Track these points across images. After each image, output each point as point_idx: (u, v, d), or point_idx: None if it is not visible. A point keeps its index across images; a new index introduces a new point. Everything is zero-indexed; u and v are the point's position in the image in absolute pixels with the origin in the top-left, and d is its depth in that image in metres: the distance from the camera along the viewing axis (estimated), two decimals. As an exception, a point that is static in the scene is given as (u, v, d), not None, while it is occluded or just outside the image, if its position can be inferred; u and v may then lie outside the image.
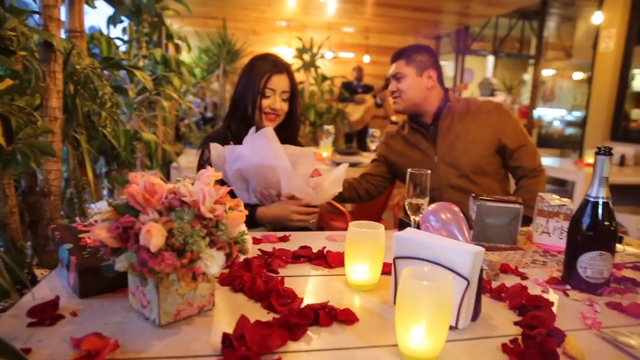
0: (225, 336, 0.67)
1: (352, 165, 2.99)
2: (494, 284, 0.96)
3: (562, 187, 4.41)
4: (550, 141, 7.62)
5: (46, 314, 0.73)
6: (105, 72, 1.76)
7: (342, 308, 0.81)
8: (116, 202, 0.72)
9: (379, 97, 5.56)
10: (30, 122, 0.88)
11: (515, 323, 0.80)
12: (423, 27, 7.33)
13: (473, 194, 1.36)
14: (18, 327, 0.70)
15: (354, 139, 5.95)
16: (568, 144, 7.11)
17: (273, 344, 0.67)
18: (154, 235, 0.63)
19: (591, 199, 0.96)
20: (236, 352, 0.63)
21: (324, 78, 5.34)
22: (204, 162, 1.55)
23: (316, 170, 1.47)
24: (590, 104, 4.61)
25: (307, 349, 0.69)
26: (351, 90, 6.08)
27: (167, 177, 2.72)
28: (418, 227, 1.20)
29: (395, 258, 0.84)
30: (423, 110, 1.78)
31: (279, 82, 1.53)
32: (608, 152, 0.94)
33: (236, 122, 1.60)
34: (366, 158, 3.52)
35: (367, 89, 6.19)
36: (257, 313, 0.80)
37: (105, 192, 2.06)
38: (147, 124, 2.59)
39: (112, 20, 2.32)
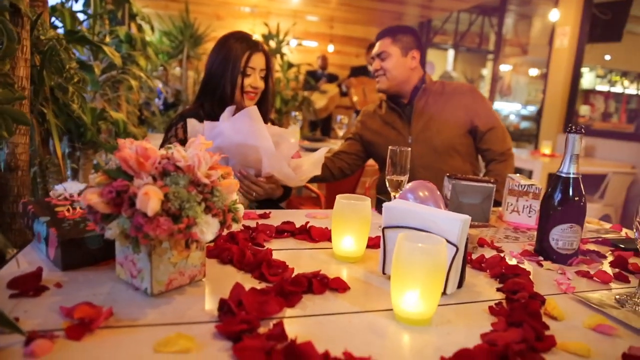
0: (223, 302, 0.67)
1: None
2: (474, 256, 1.00)
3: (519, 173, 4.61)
4: (506, 134, 7.92)
5: (29, 285, 0.70)
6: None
7: (332, 277, 0.82)
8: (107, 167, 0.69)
9: (344, 85, 5.59)
10: (8, 84, 0.83)
11: (498, 289, 0.84)
12: (387, 18, 7.40)
13: (448, 174, 1.41)
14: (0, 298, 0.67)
15: (318, 127, 5.96)
16: (523, 137, 7.41)
17: (271, 310, 0.67)
18: (151, 198, 0.62)
19: (563, 175, 1.01)
20: (236, 317, 0.63)
21: (290, 65, 5.30)
22: (168, 138, 1.51)
23: (296, 152, 1.47)
24: (545, 99, 4.83)
25: (305, 314, 0.70)
26: (316, 78, 6.08)
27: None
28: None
29: (384, 228, 0.86)
30: (403, 90, 1.81)
31: (258, 61, 1.52)
32: (579, 131, 0.99)
33: (210, 102, 1.57)
34: (333, 144, 3.54)
35: (332, 77, 6.20)
36: (249, 283, 0.80)
37: (69, 172, 1.97)
38: (111, 104, 2.49)
39: (73, -6, 2.21)
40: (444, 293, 0.79)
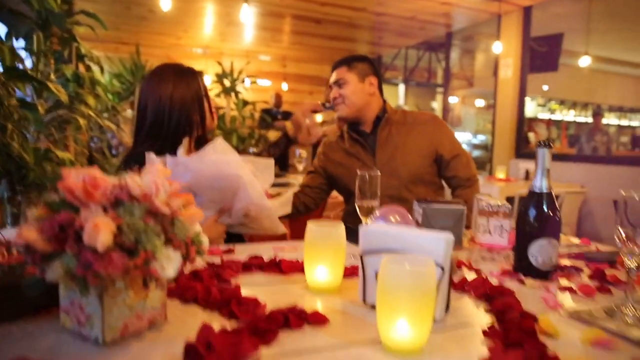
0: (190, 346, 0.58)
1: (282, 185, 2.94)
2: (455, 279, 0.95)
3: None
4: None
5: (-49, 345, 0.58)
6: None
7: (310, 312, 0.75)
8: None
9: (290, 129, 5.63)
10: None
11: (487, 311, 0.79)
12: (338, 55, 7.55)
13: (417, 199, 1.38)
14: None
15: (275, 164, 5.92)
16: (477, 163, 7.67)
17: (246, 350, 0.59)
18: (102, 230, 0.53)
19: (536, 190, 1.00)
20: (206, 362, 0.54)
21: (245, 103, 5.29)
22: None
23: (266, 192, 1.41)
24: (495, 128, 5.03)
25: (284, 352, 0.62)
26: (271, 116, 6.09)
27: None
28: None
29: (362, 254, 0.80)
30: (364, 117, 1.79)
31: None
32: (548, 145, 0.99)
33: (161, 142, 1.46)
34: (292, 179, 3.49)
35: (286, 115, 6.23)
36: (217, 322, 0.71)
37: (8, 219, 1.79)
38: (58, 146, 2.34)
39: (15, 33, 2.09)
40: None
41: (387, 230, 0.78)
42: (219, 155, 1.31)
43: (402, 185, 1.74)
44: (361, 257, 0.80)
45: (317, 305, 0.82)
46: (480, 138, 8.74)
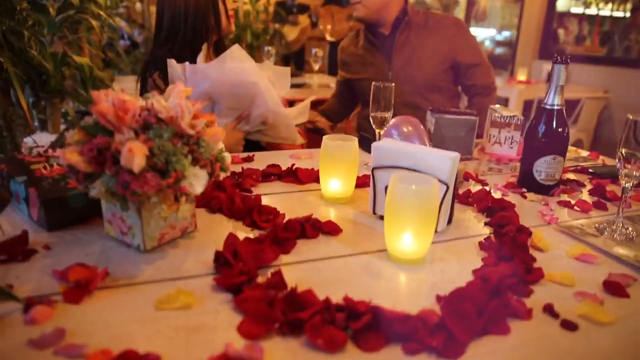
0: (219, 254, 0.67)
1: (298, 86, 2.92)
2: (460, 190, 1.02)
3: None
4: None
5: (16, 250, 0.67)
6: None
7: (324, 221, 0.82)
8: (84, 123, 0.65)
9: (313, 15, 5.36)
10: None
11: (486, 224, 0.86)
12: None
13: (430, 108, 1.39)
14: (-14, 263, 0.65)
15: (291, 61, 5.76)
16: (498, 62, 7.37)
17: (267, 258, 0.68)
18: (136, 154, 0.59)
19: (547, 107, 1.01)
20: (234, 269, 0.63)
21: (259, -4, 5.00)
22: (146, 91, 1.43)
23: (282, 99, 1.44)
24: (521, 22, 4.74)
25: (301, 260, 0.70)
26: (286, 9, 5.78)
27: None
28: (382, 142, 1.21)
29: (373, 168, 0.85)
30: (383, 19, 1.73)
31: None
32: (565, 61, 0.98)
33: (180, 44, 1.48)
34: (308, 78, 3.45)
35: (302, 8, 5.90)
36: (241, 231, 0.80)
37: (36, 124, 1.87)
38: (72, 48, 2.33)
39: None
40: (435, 231, 0.80)
41: (397, 147, 0.82)
42: (236, 62, 1.32)
43: (417, 91, 1.73)
44: (372, 172, 0.86)
45: (331, 214, 0.90)
46: (505, 34, 8.25)
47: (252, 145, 1.55)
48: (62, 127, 2.09)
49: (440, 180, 0.77)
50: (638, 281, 0.68)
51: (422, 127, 1.21)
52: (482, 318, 0.54)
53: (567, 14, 6.39)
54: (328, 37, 5.32)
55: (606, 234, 0.82)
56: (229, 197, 0.88)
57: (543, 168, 1.02)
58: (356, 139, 0.94)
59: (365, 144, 1.23)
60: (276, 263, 0.69)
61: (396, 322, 0.53)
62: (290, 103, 1.67)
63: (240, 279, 0.60)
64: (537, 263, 0.71)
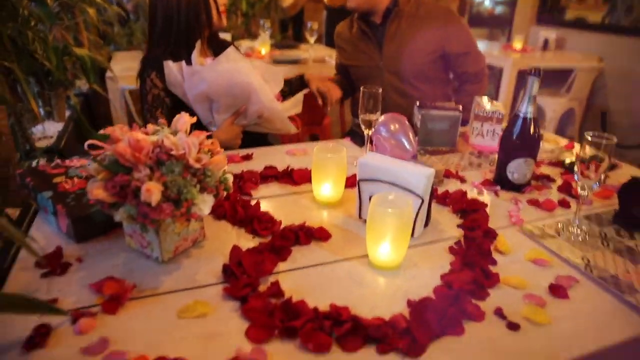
0: (226, 266, 0.79)
1: (293, 62, 2.97)
2: (440, 190, 1.13)
3: (490, 70, 4.60)
4: (480, 20, 7.74)
5: (54, 264, 0.80)
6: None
7: (316, 226, 0.94)
8: (102, 158, 0.76)
9: None
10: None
11: (459, 226, 0.98)
12: None
13: (418, 103, 1.48)
14: (33, 279, 0.77)
15: (289, 27, 5.70)
16: (497, 22, 7.26)
17: (267, 268, 0.80)
18: (153, 193, 0.70)
19: (521, 115, 1.10)
20: (239, 281, 0.75)
21: (253, -39, 4.90)
22: (146, 92, 1.50)
23: (276, 95, 1.53)
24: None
25: (295, 267, 0.83)
26: None
27: (104, 89, 2.56)
28: (370, 141, 1.31)
29: (359, 180, 0.96)
30: (374, 8, 1.77)
31: None
32: (538, 74, 1.06)
33: (174, 43, 1.52)
34: (304, 51, 3.46)
35: None
36: (243, 238, 0.92)
37: (42, 112, 1.95)
38: (70, 32, 2.37)
39: None
40: (412, 236, 0.92)
41: (379, 164, 0.93)
42: (231, 63, 1.41)
43: (406, 80, 1.81)
44: (358, 183, 0.97)
45: (323, 217, 1.02)
46: (506, -9, 8.09)
47: (250, 136, 1.65)
48: (67, 113, 2.17)
49: (416, 194, 0.88)
50: (580, 282, 0.80)
51: (407, 123, 1.31)
52: (441, 322, 0.67)
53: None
54: (326, 0, 5.25)
55: (563, 235, 0.94)
56: (232, 205, 0.99)
57: (515, 169, 1.13)
58: (344, 150, 1.04)
59: (356, 137, 1.33)
60: (275, 271, 0.81)
61: (371, 328, 0.66)
62: (286, 82, 1.73)
63: (246, 290, 0.73)
64: (497, 266, 0.83)
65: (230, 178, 0.86)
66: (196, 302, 0.72)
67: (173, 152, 0.75)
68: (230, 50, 1.40)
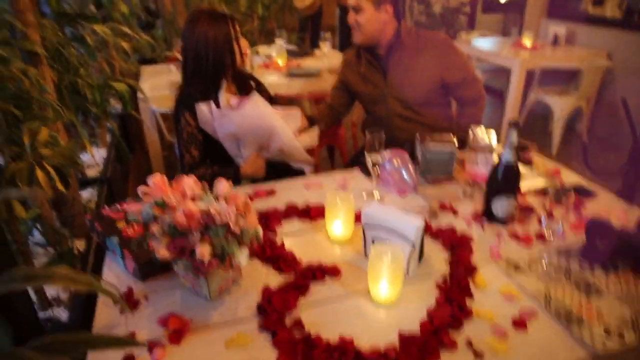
0: (259, 304, 1.02)
1: (309, 76, 3.15)
2: (434, 224, 1.34)
3: (501, 70, 4.65)
4: (494, 4, 7.74)
5: (129, 301, 1.04)
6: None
7: (330, 263, 1.16)
8: (161, 222, 0.99)
9: None
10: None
11: (446, 261, 1.19)
12: None
13: (418, 137, 1.67)
14: (114, 314, 1.02)
15: (307, 30, 5.80)
16: (511, 6, 7.25)
17: (291, 304, 1.03)
18: (205, 255, 0.93)
19: (503, 160, 1.29)
20: (270, 316, 0.99)
21: (268, -35, 5.03)
22: (181, 130, 1.73)
23: (294, 132, 1.76)
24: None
25: (313, 301, 1.05)
26: None
27: (136, 110, 2.80)
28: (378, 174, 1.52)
29: (363, 225, 1.18)
30: (378, 43, 1.96)
31: (235, 25, 1.74)
32: (517, 126, 1.24)
33: (203, 82, 1.74)
34: (318, 60, 3.61)
35: None
36: (271, 275, 1.15)
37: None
38: (104, 60, 2.61)
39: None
40: (406, 274, 1.14)
41: (379, 214, 1.14)
42: (255, 109, 1.63)
43: (409, 106, 2.00)
44: (363, 228, 1.18)
45: (335, 252, 1.24)
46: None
47: (273, 165, 1.87)
48: (108, 138, 2.43)
49: (409, 240, 1.10)
50: (539, 316, 1.01)
51: (409, 159, 1.53)
52: (423, 353, 0.89)
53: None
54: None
55: (532, 270, 1.14)
56: (261, 246, 1.22)
57: (499, 206, 1.33)
58: (352, 200, 1.26)
59: (365, 168, 1.55)
60: (298, 303, 1.04)
61: (368, 358, 0.88)
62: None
63: (275, 326, 0.96)
64: (473, 300, 1.05)
65: (260, 231, 1.09)
66: (239, 334, 0.95)
67: (217, 220, 0.98)
68: (256, 97, 1.62)
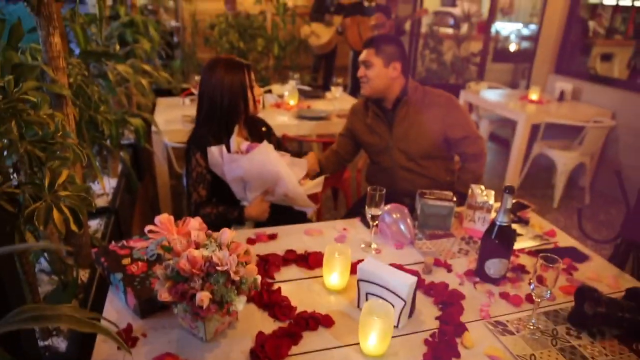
0: (252, 350, 1.06)
1: (318, 119, 3.25)
2: (428, 279, 1.37)
3: (507, 122, 4.73)
4: (504, 55, 7.97)
5: (127, 337, 1.08)
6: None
7: (324, 312, 1.20)
8: (167, 267, 1.04)
9: (339, 27, 5.57)
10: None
11: (436, 318, 1.22)
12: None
13: (419, 192, 1.73)
14: (112, 350, 1.06)
15: (320, 68, 5.97)
16: (521, 57, 7.44)
17: (284, 352, 1.07)
18: (204, 301, 0.98)
19: (498, 223, 1.34)
20: (262, 363, 1.02)
21: (286, 8, 5.27)
22: (191, 169, 1.82)
23: (300, 180, 1.83)
24: (544, 15, 4.72)
25: (304, 351, 1.09)
26: (324, 8, 5.80)
27: (149, 142, 2.90)
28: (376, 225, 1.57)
29: (358, 280, 1.22)
30: (386, 97, 2.06)
31: (252, 73, 1.86)
32: (511, 192, 1.30)
33: (217, 126, 1.84)
34: (329, 103, 3.73)
35: (340, 8, 5.91)
36: (266, 321, 1.19)
37: (102, 171, 2.29)
38: (124, 95, 2.73)
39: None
40: (396, 327, 1.17)
41: (374, 270, 1.19)
42: (263, 155, 1.71)
43: (413, 159, 2.07)
44: (357, 282, 1.23)
45: (330, 301, 1.28)
46: (532, 28, 8.26)
47: (277, 207, 1.93)
48: (120, 168, 2.52)
49: (400, 297, 1.14)
50: (523, 379, 1.03)
51: (406, 211, 1.58)
52: (407, 411, 0.92)
53: (600, 6, 6.08)
54: (354, 47, 5.55)
55: (520, 333, 1.18)
56: (259, 292, 1.26)
57: (492, 266, 1.37)
58: (349, 250, 1.31)
59: (366, 220, 1.60)
60: (289, 352, 1.08)
61: (355, 413, 0.91)
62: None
63: (266, 373, 1.00)
64: (460, 359, 1.07)
65: (259, 280, 1.14)
66: (230, 381, 0.99)
67: (219, 267, 1.03)
68: (264, 145, 1.70)
